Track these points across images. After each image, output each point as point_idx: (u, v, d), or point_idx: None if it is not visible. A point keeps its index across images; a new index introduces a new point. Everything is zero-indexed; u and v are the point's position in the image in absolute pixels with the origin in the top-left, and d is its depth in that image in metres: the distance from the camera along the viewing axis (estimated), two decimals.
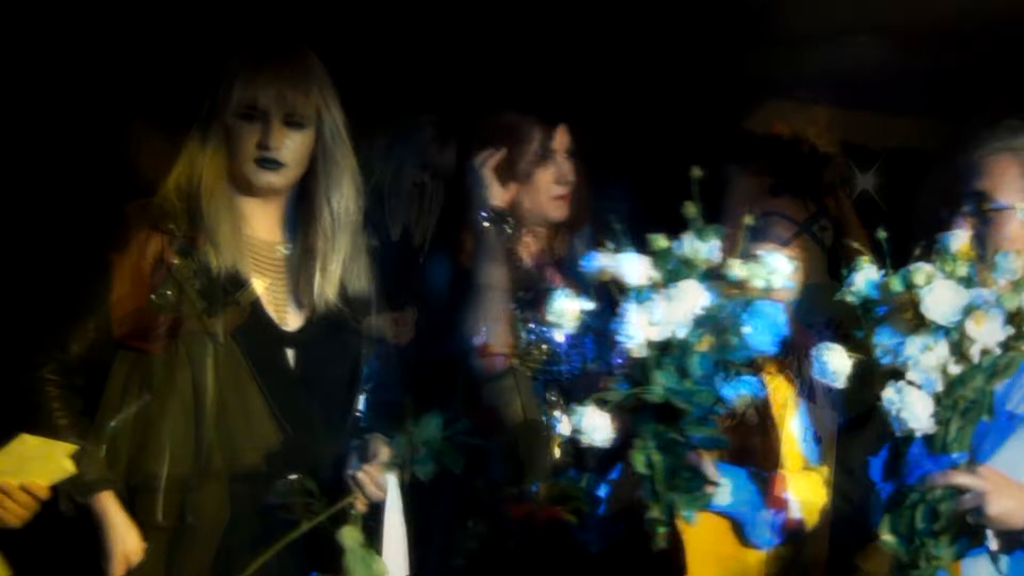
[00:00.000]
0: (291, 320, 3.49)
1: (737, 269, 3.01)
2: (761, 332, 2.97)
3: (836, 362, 2.92)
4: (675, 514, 3.06)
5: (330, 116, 3.50)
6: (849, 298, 2.95)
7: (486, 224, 3.78)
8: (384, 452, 3.36)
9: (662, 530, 3.06)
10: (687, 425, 3.01)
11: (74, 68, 4.15)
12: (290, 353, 3.48)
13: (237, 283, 3.43)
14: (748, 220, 3.09)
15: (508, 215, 3.96)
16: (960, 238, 2.94)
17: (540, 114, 3.99)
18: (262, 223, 3.52)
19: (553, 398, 4.00)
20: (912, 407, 2.85)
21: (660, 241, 3.03)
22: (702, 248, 3.00)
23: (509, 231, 3.95)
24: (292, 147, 3.46)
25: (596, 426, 2.98)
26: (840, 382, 2.94)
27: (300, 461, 3.43)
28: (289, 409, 3.44)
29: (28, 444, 3.04)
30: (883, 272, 2.94)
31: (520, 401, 3.95)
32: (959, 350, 2.86)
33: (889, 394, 2.87)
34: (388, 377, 3.60)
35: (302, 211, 3.53)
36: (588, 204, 4.09)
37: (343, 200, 3.52)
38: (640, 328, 2.96)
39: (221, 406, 3.39)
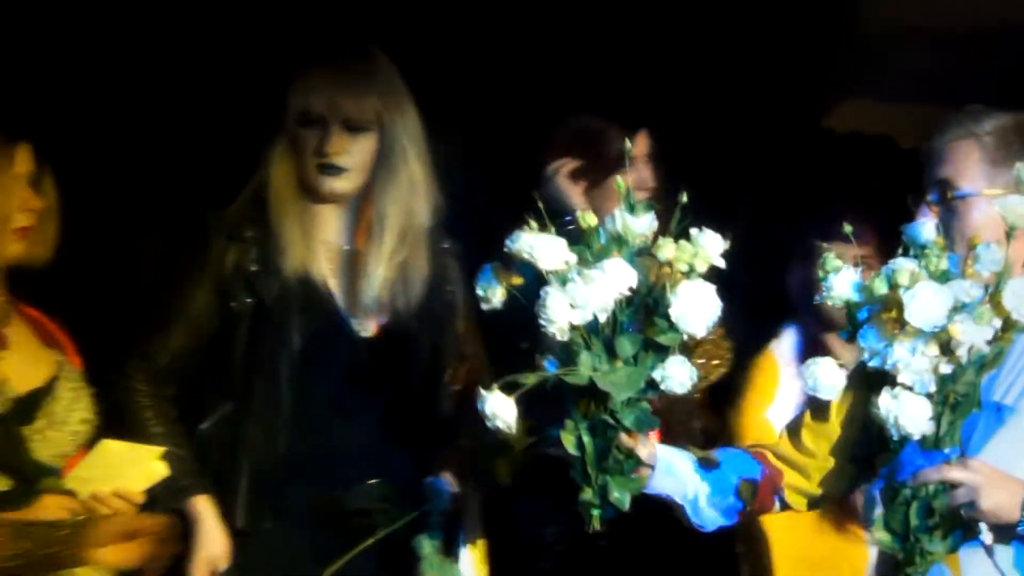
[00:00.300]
0: (367, 324, 3.47)
1: (666, 249, 2.93)
2: (691, 314, 2.90)
3: (827, 376, 2.87)
4: (607, 497, 3.00)
5: (397, 119, 3.46)
6: (830, 301, 2.89)
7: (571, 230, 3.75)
8: (460, 459, 3.35)
9: (596, 512, 2.98)
10: (617, 407, 2.95)
11: (156, 78, 4.15)
12: (365, 357, 3.47)
13: (311, 289, 3.42)
14: (684, 199, 3.00)
15: None
16: (927, 227, 2.89)
17: (619, 119, 3.96)
18: (335, 227, 3.51)
19: None
20: (910, 413, 2.81)
21: (588, 218, 2.97)
22: (635, 224, 2.94)
23: None
24: (353, 152, 3.43)
25: (500, 410, 2.89)
26: (834, 396, 2.90)
27: (377, 466, 3.42)
28: (365, 414, 3.44)
29: (113, 450, 3.04)
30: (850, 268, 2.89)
31: None
32: (948, 349, 2.81)
33: (886, 401, 2.82)
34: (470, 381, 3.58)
35: (358, 215, 3.51)
36: (667, 207, 4.05)
37: (398, 203, 3.48)
38: (561, 311, 2.89)
39: (297, 411, 3.39)
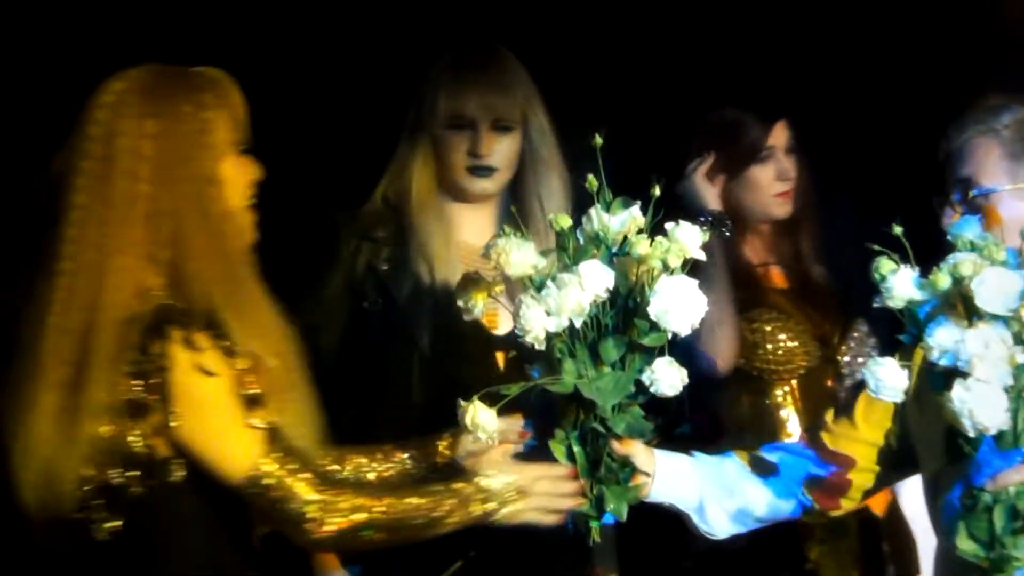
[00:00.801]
0: (503, 323, 3.49)
1: (639, 246, 2.83)
2: (672, 311, 2.81)
3: (892, 377, 2.74)
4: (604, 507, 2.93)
5: (535, 116, 3.53)
6: (891, 303, 2.75)
7: (704, 229, 3.74)
8: None
9: (596, 525, 2.93)
10: (607, 414, 2.87)
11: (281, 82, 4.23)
12: (500, 357, 3.50)
13: (445, 289, 3.45)
14: (655, 191, 2.92)
15: (726, 217, 3.90)
16: (973, 224, 2.80)
17: (758, 110, 3.93)
18: (474, 227, 3.56)
19: (780, 397, 3.97)
20: (986, 403, 2.66)
21: (563, 219, 2.90)
22: (612, 222, 2.86)
23: (728, 234, 3.90)
24: (502, 151, 3.50)
25: (482, 421, 2.84)
26: (898, 397, 2.76)
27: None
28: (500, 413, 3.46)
29: None
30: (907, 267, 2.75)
31: (746, 401, 3.94)
32: (1021, 338, 2.67)
33: (959, 392, 2.67)
34: None
35: (516, 212, 3.54)
36: (811, 200, 4.02)
37: (553, 198, 3.53)
38: (536, 319, 2.82)
39: (428, 410, 3.41)
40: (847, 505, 3.15)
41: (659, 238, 2.85)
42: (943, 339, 2.70)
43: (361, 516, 2.69)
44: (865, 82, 4.54)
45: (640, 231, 2.86)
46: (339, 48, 4.38)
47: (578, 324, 2.82)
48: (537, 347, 2.84)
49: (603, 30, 4.52)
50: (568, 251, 2.88)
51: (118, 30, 4.16)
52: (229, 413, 2.63)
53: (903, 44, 4.51)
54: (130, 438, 2.61)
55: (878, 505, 3.92)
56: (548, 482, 2.88)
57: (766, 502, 3.11)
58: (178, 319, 2.61)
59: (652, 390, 2.85)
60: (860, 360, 3.98)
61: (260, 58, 4.13)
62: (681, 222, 2.86)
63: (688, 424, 3.35)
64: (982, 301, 2.67)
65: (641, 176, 2.90)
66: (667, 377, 2.84)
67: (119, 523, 2.65)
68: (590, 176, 2.90)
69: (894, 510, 3.97)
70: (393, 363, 3.47)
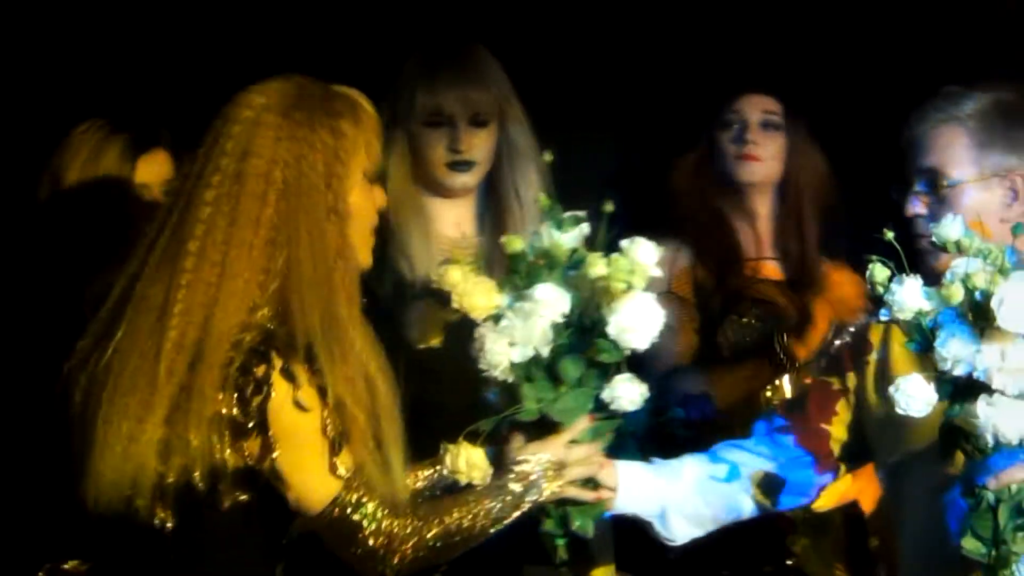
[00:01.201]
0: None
1: (596, 267, 2.83)
2: (631, 330, 2.81)
3: (920, 392, 2.72)
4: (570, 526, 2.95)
5: (511, 109, 3.54)
6: (901, 316, 2.74)
7: None
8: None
9: (561, 543, 2.95)
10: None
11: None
12: None
13: (428, 284, 3.43)
14: (609, 207, 2.95)
15: None
16: (955, 224, 2.76)
17: (723, 81, 4.03)
18: (451, 221, 3.57)
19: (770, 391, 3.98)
20: (1010, 416, 2.68)
21: (515, 243, 2.90)
22: (563, 239, 2.86)
23: None
24: (480, 145, 3.51)
25: (474, 463, 2.86)
26: (928, 411, 2.74)
27: None
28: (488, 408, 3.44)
29: None
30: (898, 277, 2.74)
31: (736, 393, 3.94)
32: None
33: (983, 410, 2.68)
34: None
35: (492, 204, 3.57)
36: (813, 192, 4.06)
37: (531, 189, 3.52)
38: (500, 352, 2.84)
39: (417, 406, 3.39)
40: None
41: (615, 256, 2.85)
42: (958, 350, 2.70)
43: (422, 545, 2.71)
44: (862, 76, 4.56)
45: (593, 251, 2.88)
46: (309, 48, 4.38)
47: (544, 353, 2.83)
48: (502, 378, 2.86)
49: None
50: (521, 274, 2.88)
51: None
52: (316, 450, 2.64)
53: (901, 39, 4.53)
54: (223, 455, 2.61)
55: (866, 502, 3.91)
56: (579, 449, 2.91)
57: (724, 504, 3.12)
58: (282, 347, 2.61)
59: (613, 407, 2.88)
60: None
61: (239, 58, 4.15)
62: (637, 239, 2.87)
63: (678, 417, 3.34)
64: (1006, 322, 2.68)
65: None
66: (627, 394, 2.87)
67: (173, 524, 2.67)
68: (541, 195, 2.96)
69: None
70: (446, 378, 3.40)
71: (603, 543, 3.41)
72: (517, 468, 2.85)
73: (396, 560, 2.68)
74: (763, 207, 4.12)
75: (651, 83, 4.61)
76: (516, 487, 2.84)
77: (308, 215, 2.65)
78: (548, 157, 2.96)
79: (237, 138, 2.66)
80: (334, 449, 2.64)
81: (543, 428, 2.90)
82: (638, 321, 2.81)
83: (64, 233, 3.40)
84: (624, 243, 2.87)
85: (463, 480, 2.86)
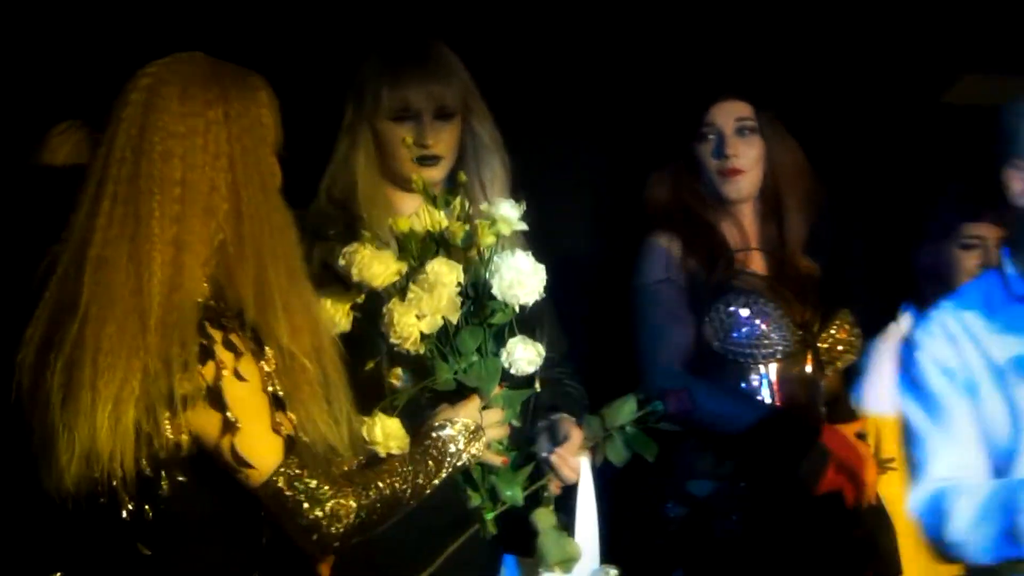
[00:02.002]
0: None
1: (458, 235, 2.95)
2: (515, 285, 2.90)
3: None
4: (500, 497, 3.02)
5: (475, 102, 3.57)
6: None
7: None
8: (576, 434, 3.36)
9: (489, 516, 3.03)
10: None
11: None
12: None
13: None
14: (462, 178, 3.20)
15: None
16: None
17: (696, 91, 4.03)
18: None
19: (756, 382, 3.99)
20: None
21: (402, 223, 2.99)
22: (443, 216, 2.96)
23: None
24: (445, 139, 3.53)
25: (391, 433, 2.91)
26: None
27: None
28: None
29: None
30: None
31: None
32: None
33: None
34: (562, 360, 3.61)
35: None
36: (798, 187, 4.08)
37: (496, 182, 3.56)
38: (411, 326, 2.91)
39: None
40: None
41: (479, 221, 2.96)
42: None
43: (359, 514, 2.74)
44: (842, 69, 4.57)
45: (459, 219, 2.98)
46: (269, 48, 4.39)
47: (454, 320, 2.90)
48: (413, 352, 2.92)
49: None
50: (412, 252, 2.95)
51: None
52: (256, 417, 2.68)
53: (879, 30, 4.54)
54: (164, 430, 2.65)
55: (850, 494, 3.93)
56: (493, 413, 3.00)
57: None
58: (219, 319, 2.66)
59: (512, 371, 2.96)
60: (841, 348, 4.01)
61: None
62: (499, 200, 3.01)
63: (655, 406, 3.35)
64: None
65: None
66: (524, 355, 2.95)
67: (143, 510, 2.71)
68: (414, 175, 3.08)
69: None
70: (360, 359, 3.42)
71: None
72: (434, 434, 2.91)
73: (337, 530, 2.71)
74: (747, 209, 4.14)
75: (624, 85, 4.61)
76: (436, 452, 2.90)
77: (251, 175, 2.72)
78: (521, 208, 3.03)
79: (136, 104, 2.70)
80: (275, 409, 2.68)
81: (460, 397, 2.99)
82: (520, 276, 2.91)
83: (42, 231, 3.39)
84: (484, 206, 3.03)
85: (382, 451, 2.91)
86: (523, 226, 2.94)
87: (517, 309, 2.93)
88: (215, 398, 2.64)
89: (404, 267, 2.96)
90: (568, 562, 3.28)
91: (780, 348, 3.97)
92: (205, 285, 2.68)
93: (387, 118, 3.52)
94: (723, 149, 4.04)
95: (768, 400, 3.98)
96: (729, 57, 4.45)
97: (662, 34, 4.63)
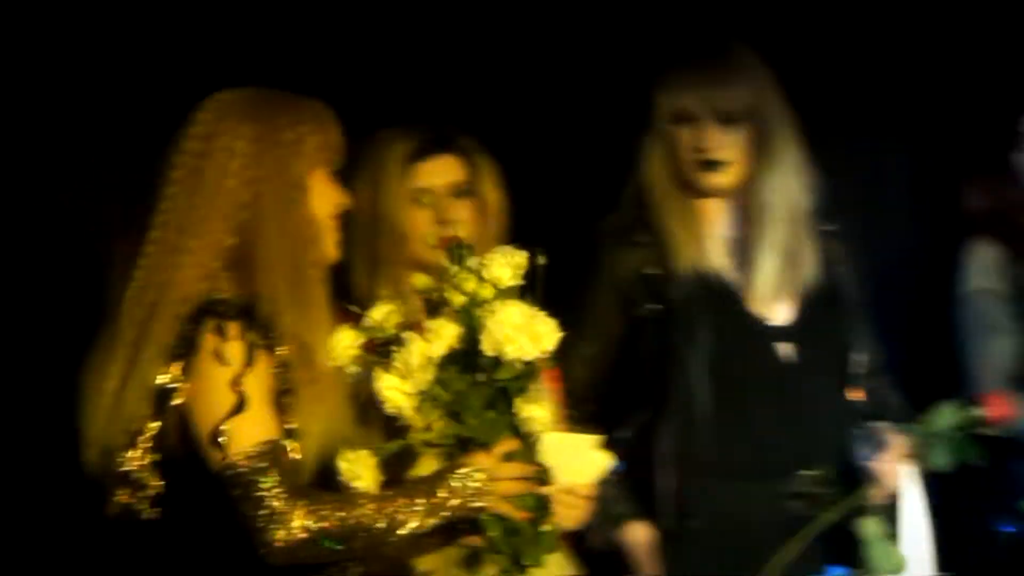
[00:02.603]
0: (778, 313, 3.49)
1: (463, 282, 2.87)
2: (506, 341, 2.79)
3: None
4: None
5: (765, 109, 3.48)
6: None
7: None
8: (897, 442, 3.31)
9: None
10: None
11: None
12: (779, 347, 3.47)
13: (710, 285, 3.47)
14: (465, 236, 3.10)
15: None
16: None
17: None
18: (723, 220, 3.54)
19: None
20: None
21: (420, 280, 2.96)
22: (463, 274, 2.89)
23: None
24: (730, 145, 3.47)
25: (358, 475, 2.83)
26: None
27: (806, 454, 3.42)
28: (785, 402, 3.44)
29: (553, 441, 3.06)
30: None
31: None
32: None
33: None
34: (879, 370, 3.55)
35: (744, 205, 3.52)
36: None
37: (789, 193, 3.48)
38: (391, 390, 2.84)
39: (717, 408, 3.42)
40: None
41: (469, 276, 2.89)
42: None
43: (314, 526, 2.70)
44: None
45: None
46: (572, 58, 4.43)
47: (428, 379, 2.84)
48: (407, 416, 2.86)
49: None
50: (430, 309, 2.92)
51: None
52: (227, 403, 2.72)
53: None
54: (160, 416, 2.75)
55: None
56: (512, 466, 2.87)
57: None
58: (215, 309, 2.75)
59: (524, 428, 2.88)
60: None
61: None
62: (497, 254, 2.91)
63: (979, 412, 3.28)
64: None
65: None
66: (533, 413, 2.88)
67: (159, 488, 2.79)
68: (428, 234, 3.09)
69: None
70: (672, 368, 3.46)
71: None
72: (435, 477, 2.82)
73: (280, 536, 2.69)
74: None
75: (939, 86, 4.52)
76: (430, 492, 2.79)
77: (270, 182, 2.81)
78: (521, 259, 2.93)
79: (202, 123, 2.84)
80: (260, 401, 2.72)
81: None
82: (509, 331, 2.81)
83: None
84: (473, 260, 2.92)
85: (354, 484, 2.83)
86: (518, 281, 2.88)
87: (519, 365, 2.84)
88: (200, 379, 2.72)
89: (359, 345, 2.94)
90: (896, 572, 3.23)
91: None
92: (217, 282, 2.78)
93: (669, 120, 3.50)
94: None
95: None
96: None
97: (979, 38, 4.53)
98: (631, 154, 3.56)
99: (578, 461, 3.07)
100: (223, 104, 2.88)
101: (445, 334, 2.85)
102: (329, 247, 2.91)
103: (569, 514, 3.08)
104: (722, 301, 3.48)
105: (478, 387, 2.85)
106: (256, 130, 2.83)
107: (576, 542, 3.27)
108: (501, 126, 3.72)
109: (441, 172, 3.36)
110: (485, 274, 2.88)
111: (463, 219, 3.34)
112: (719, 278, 3.49)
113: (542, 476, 2.88)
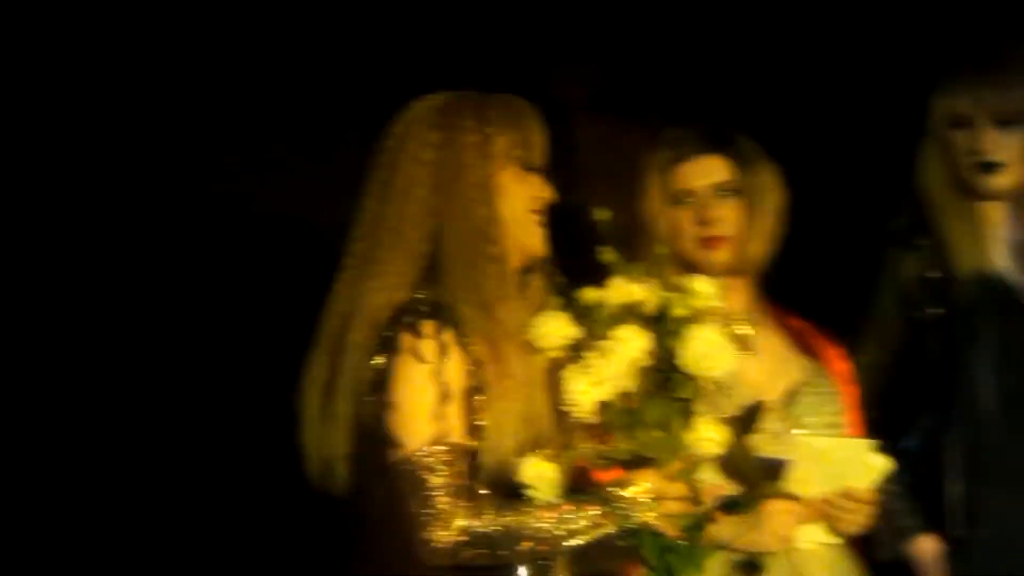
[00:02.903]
0: None
1: (657, 300, 2.81)
2: (707, 357, 2.76)
3: None
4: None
5: None
6: None
7: None
8: None
9: None
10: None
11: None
12: None
13: (995, 288, 3.43)
14: (663, 250, 3.07)
15: None
16: None
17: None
18: (996, 222, 3.49)
19: None
20: None
21: (589, 293, 2.84)
22: (634, 289, 2.82)
23: None
24: (1007, 147, 3.42)
25: (543, 478, 2.77)
26: None
27: None
28: None
29: (828, 448, 3.09)
30: None
31: None
32: None
33: None
34: None
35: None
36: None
37: None
38: (583, 393, 2.78)
39: (1006, 413, 3.38)
40: None
41: (672, 293, 2.85)
42: None
43: (475, 528, 2.72)
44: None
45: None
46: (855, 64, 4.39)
47: (632, 388, 2.81)
48: (586, 419, 2.82)
49: None
50: (600, 323, 2.84)
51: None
52: (420, 398, 2.76)
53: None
54: (365, 416, 2.80)
55: None
56: (672, 487, 2.83)
57: None
58: (412, 308, 2.79)
59: (693, 450, 2.82)
60: None
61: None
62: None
63: None
64: None
65: None
66: (707, 434, 2.82)
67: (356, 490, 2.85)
68: (604, 249, 2.90)
69: None
70: (957, 373, 3.43)
71: None
72: (607, 487, 2.79)
73: (440, 534, 2.71)
74: None
75: None
76: (602, 503, 2.78)
77: (456, 187, 2.84)
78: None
79: (395, 136, 2.90)
80: (444, 402, 2.74)
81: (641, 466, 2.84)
82: (710, 348, 2.81)
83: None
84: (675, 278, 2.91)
85: (530, 492, 2.79)
86: (716, 302, 2.86)
87: (706, 384, 2.82)
88: (397, 375, 2.76)
89: (576, 333, 2.87)
90: None
91: None
92: (409, 286, 2.82)
93: (944, 124, 3.47)
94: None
95: None
96: None
97: None
98: (911, 159, 3.54)
99: (856, 466, 3.07)
100: (413, 114, 2.93)
101: (631, 346, 2.84)
102: (529, 243, 2.92)
103: (850, 519, 3.10)
104: (1006, 304, 3.43)
105: (658, 401, 2.86)
106: (441, 136, 2.88)
107: (865, 552, 3.28)
108: (783, 130, 3.70)
109: (705, 173, 3.35)
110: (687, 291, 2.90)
111: (726, 218, 3.33)
112: (1003, 281, 3.45)
113: (697, 496, 2.88)
